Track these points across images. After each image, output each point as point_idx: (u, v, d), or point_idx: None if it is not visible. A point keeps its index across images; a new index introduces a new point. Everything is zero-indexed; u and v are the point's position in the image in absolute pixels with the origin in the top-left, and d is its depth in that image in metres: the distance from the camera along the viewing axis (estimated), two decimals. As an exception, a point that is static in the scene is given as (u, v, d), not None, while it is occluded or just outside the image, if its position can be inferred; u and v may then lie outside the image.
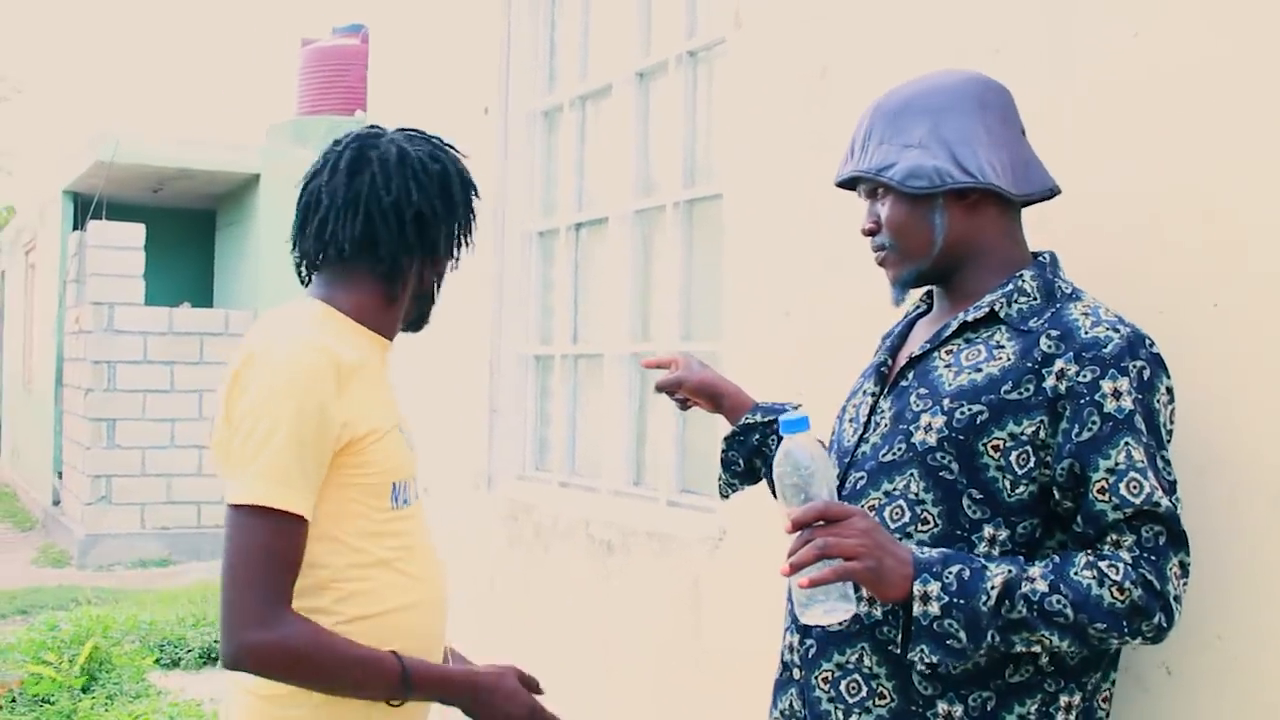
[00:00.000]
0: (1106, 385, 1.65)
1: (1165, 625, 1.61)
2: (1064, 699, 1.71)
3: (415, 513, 2.06)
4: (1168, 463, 1.67)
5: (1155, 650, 1.87)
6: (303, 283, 2.09)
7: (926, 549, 1.68)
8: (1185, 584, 1.64)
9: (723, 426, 2.91)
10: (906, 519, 1.75)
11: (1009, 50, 2.20)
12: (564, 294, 3.85)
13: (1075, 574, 1.62)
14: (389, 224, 2.01)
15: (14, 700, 6.76)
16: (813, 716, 1.82)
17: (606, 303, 3.62)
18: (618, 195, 3.55)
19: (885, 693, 1.75)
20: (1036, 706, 1.70)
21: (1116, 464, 1.63)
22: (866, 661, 1.77)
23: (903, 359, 1.90)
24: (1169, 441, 1.69)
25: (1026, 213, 1.90)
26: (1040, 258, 1.84)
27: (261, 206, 12.80)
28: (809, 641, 1.84)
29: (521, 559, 3.76)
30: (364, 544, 1.94)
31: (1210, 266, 1.84)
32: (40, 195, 16.66)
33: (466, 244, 2.17)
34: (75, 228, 14.04)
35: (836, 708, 1.78)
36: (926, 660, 1.65)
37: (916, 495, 1.75)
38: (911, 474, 1.76)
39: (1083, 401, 1.65)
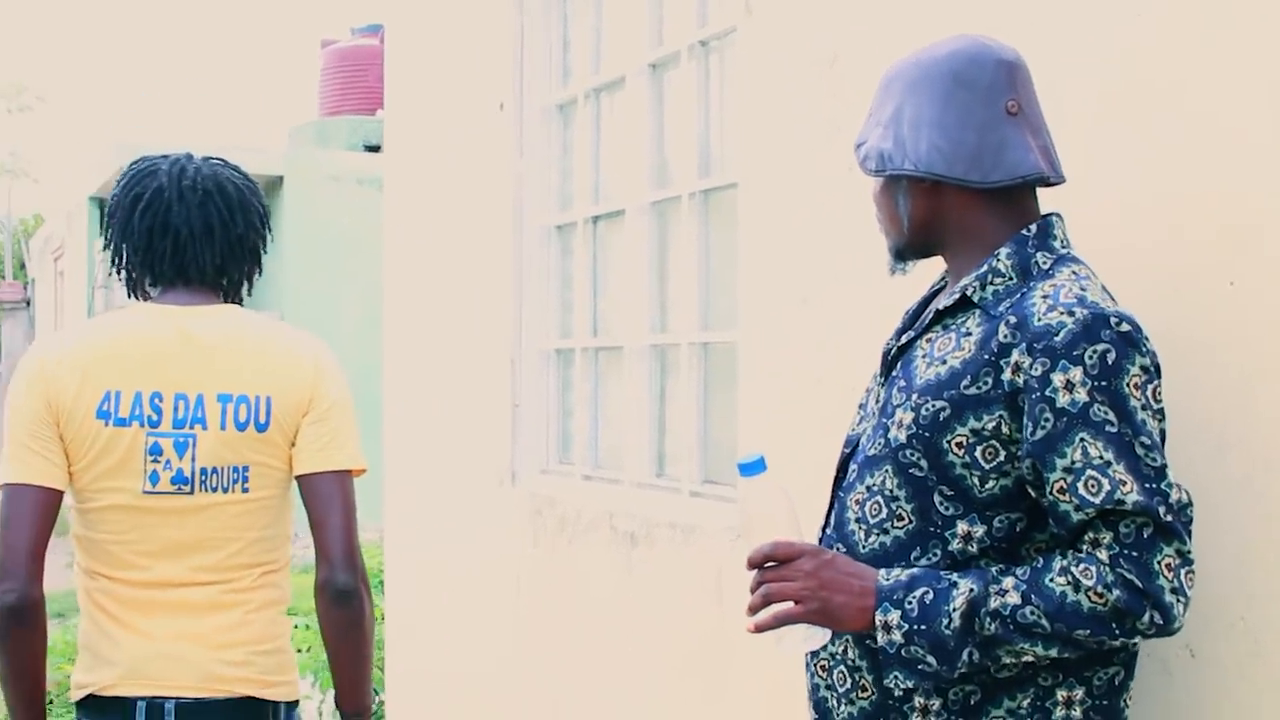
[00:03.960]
0: (1057, 378, 1.57)
1: (1162, 622, 1.55)
2: (1062, 693, 1.67)
3: None
4: (1150, 449, 1.57)
5: (1178, 633, 1.86)
6: (139, 294, 2.37)
7: (895, 572, 1.67)
8: (1188, 573, 1.56)
9: (746, 416, 2.92)
10: (884, 515, 1.73)
11: (1023, 35, 2.18)
12: (583, 287, 3.85)
13: (1050, 581, 1.57)
14: (236, 253, 2.35)
15: (51, 702, 6.82)
16: (815, 703, 1.84)
17: (625, 295, 3.62)
18: (634, 187, 3.55)
19: (866, 685, 1.74)
20: (1029, 701, 1.66)
21: (1073, 462, 1.56)
22: (850, 654, 1.76)
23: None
24: (1157, 421, 1.61)
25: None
26: (1025, 230, 1.75)
27: (285, 208, 12.84)
28: None
29: (545, 553, 3.77)
30: None
31: (1227, 245, 1.82)
32: (66, 202, 16.80)
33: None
34: (101, 233, 14.15)
35: (831, 695, 1.80)
36: (903, 686, 1.67)
37: (891, 492, 1.73)
38: (887, 470, 1.73)
39: (1035, 397, 1.59)
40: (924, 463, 1.68)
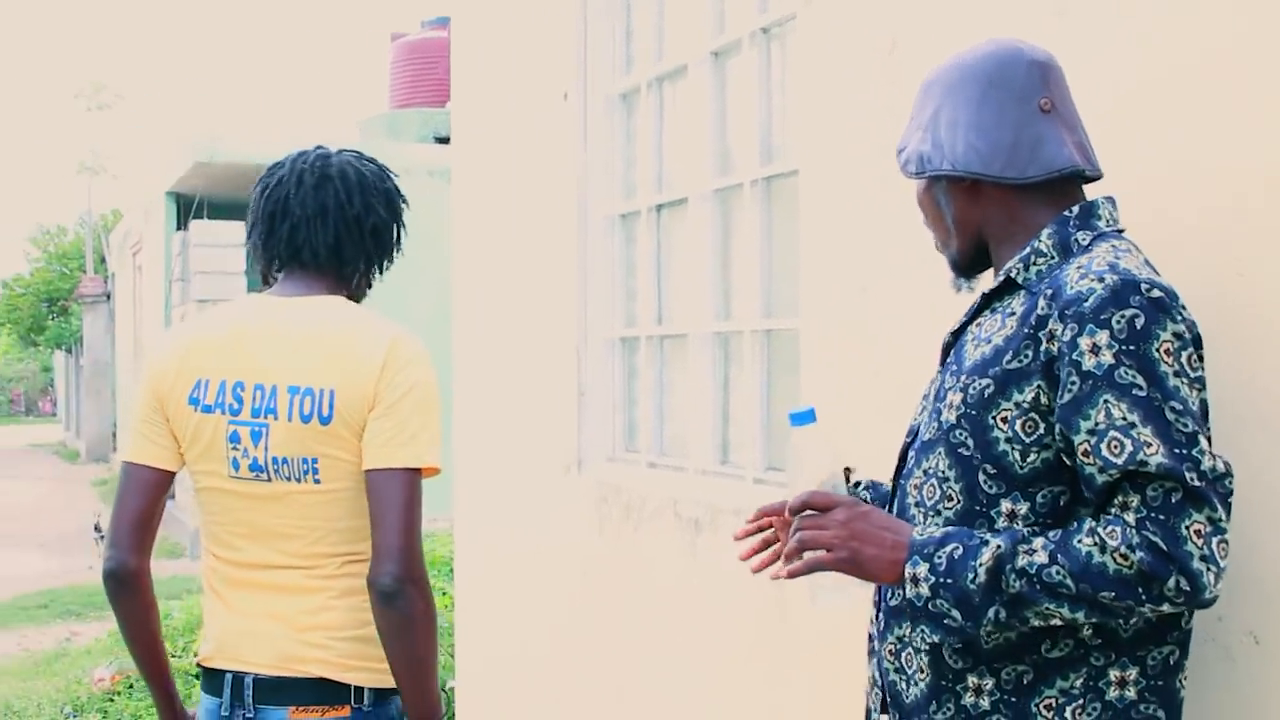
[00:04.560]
0: (1084, 342, 1.59)
1: (1190, 590, 1.53)
2: (1115, 673, 1.66)
3: None
4: (1180, 414, 1.56)
5: (1241, 618, 1.84)
6: (265, 280, 2.43)
7: (930, 529, 1.71)
8: (1220, 542, 1.54)
9: (807, 402, 2.93)
10: (937, 497, 1.78)
11: (1072, 12, 2.17)
12: (647, 275, 3.87)
13: (1077, 541, 1.58)
14: (352, 234, 2.37)
15: (130, 687, 6.98)
16: (884, 686, 1.87)
17: (689, 283, 3.64)
18: (696, 175, 3.56)
19: (923, 667, 1.77)
20: (1082, 681, 1.67)
21: (1096, 424, 1.57)
22: (914, 636, 1.79)
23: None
24: (1195, 390, 1.60)
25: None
26: (1068, 211, 1.79)
27: (357, 200, 12.99)
28: (880, 614, 1.88)
29: (610, 540, 3.80)
30: None
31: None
32: (144, 198, 17.10)
33: (399, 251, 2.51)
34: (178, 228, 14.39)
35: (901, 678, 1.82)
36: (928, 640, 1.72)
37: (943, 473, 1.77)
38: (939, 452, 1.78)
39: (1065, 362, 1.61)
40: (970, 441, 1.72)
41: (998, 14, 2.34)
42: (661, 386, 3.84)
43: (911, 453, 1.88)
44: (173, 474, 2.36)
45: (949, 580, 1.63)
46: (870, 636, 1.95)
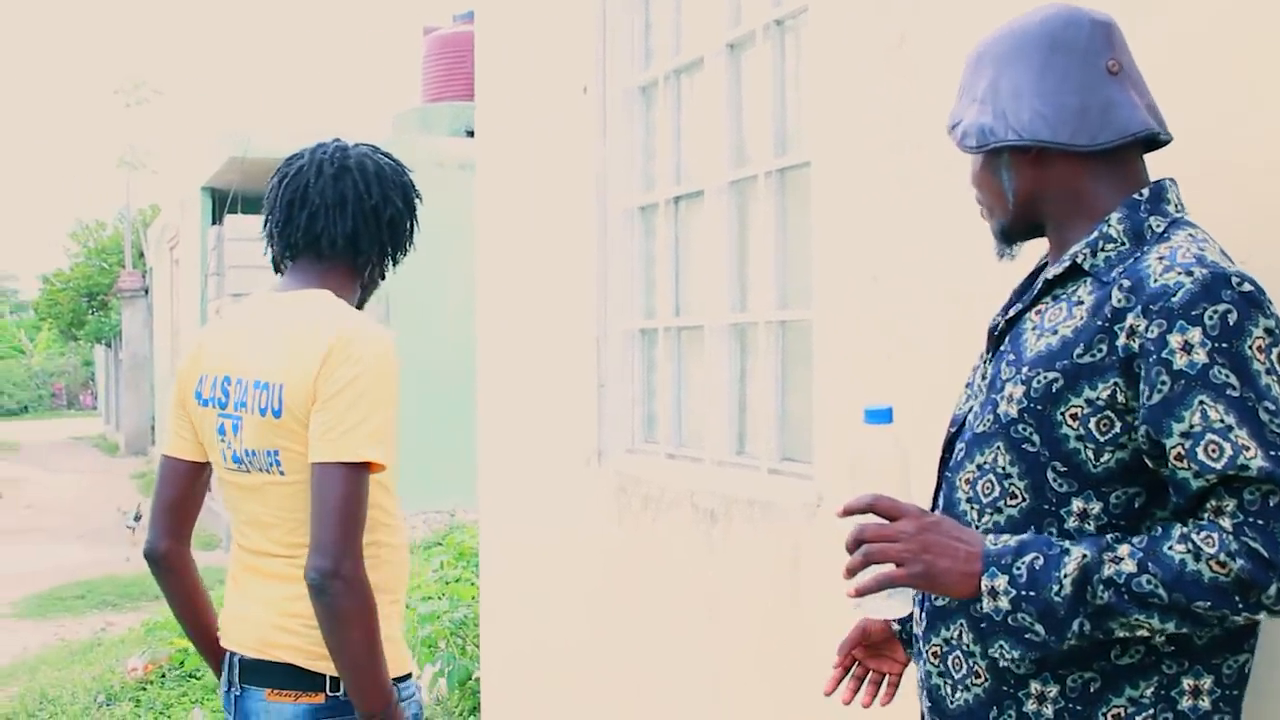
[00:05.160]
0: (1174, 339, 1.50)
1: None
2: (1188, 682, 1.59)
3: None
4: (1275, 414, 1.48)
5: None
6: (277, 269, 2.49)
7: (1003, 538, 1.61)
8: None
9: (821, 393, 2.94)
10: (996, 493, 1.68)
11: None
12: (665, 267, 3.89)
13: (1168, 549, 1.49)
14: (369, 224, 2.40)
15: (164, 675, 7.08)
16: (927, 689, 1.78)
17: (706, 274, 3.65)
18: (713, 167, 3.57)
19: (979, 672, 1.68)
20: (1153, 690, 1.59)
21: (1191, 427, 1.48)
22: (964, 639, 1.71)
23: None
24: None
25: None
26: (1137, 194, 1.69)
27: (389, 194, 13.04)
28: (923, 616, 1.79)
29: (629, 531, 3.82)
30: (394, 488, 2.38)
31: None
32: (180, 193, 17.24)
33: (413, 243, 2.54)
34: (214, 222, 14.51)
35: (946, 682, 1.74)
36: (1008, 655, 1.61)
37: (1004, 469, 1.67)
38: (999, 446, 1.67)
39: (1151, 360, 1.52)
40: (1036, 437, 1.62)
41: (1009, 10, 2.34)
42: (680, 378, 3.86)
43: (960, 444, 1.76)
44: (201, 464, 2.45)
45: (1031, 593, 1.55)
46: (914, 638, 1.86)
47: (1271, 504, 1.46)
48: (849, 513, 1.64)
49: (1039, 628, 1.55)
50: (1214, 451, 1.47)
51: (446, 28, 15.15)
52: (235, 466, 2.35)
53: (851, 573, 1.63)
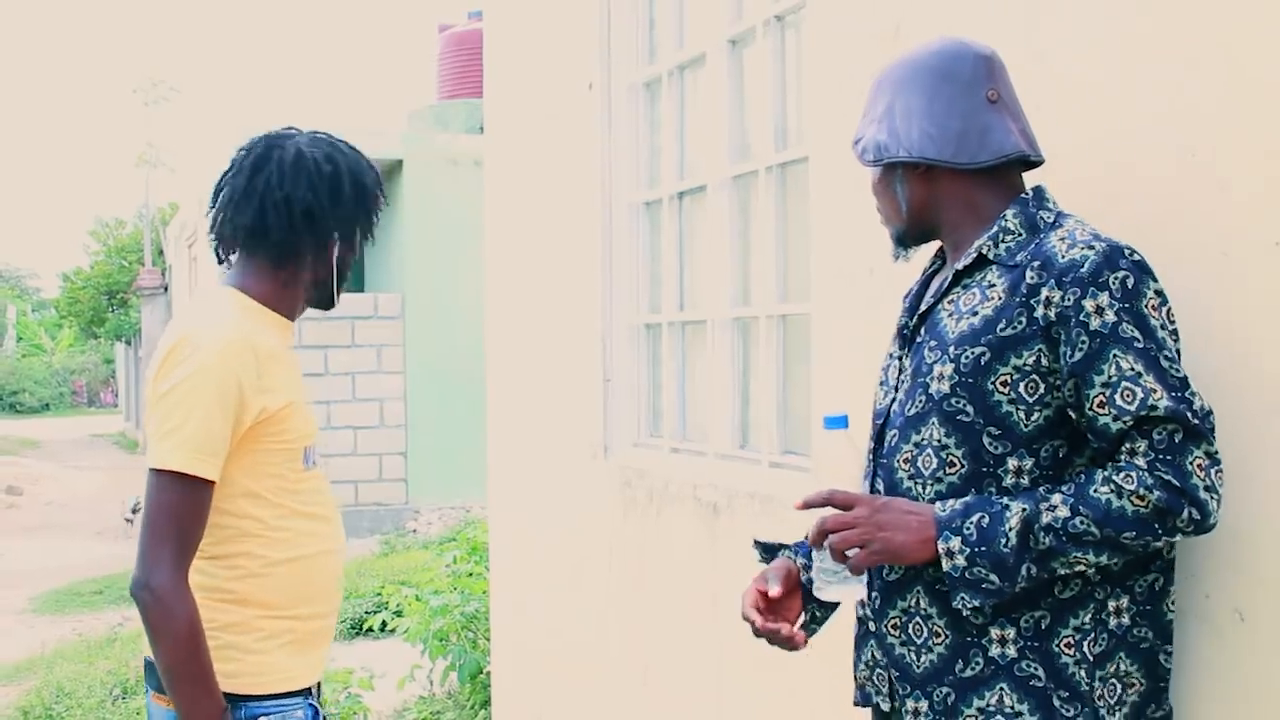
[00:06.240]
0: (1089, 304, 1.72)
1: (1200, 517, 1.68)
2: (1112, 604, 1.79)
3: (320, 473, 2.39)
4: (1172, 361, 1.71)
5: (1227, 596, 1.86)
6: (220, 263, 2.45)
7: (949, 503, 1.80)
8: (1218, 472, 1.69)
9: (820, 387, 2.96)
10: (935, 464, 1.86)
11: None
12: (670, 262, 3.91)
13: (1094, 492, 1.70)
14: (279, 215, 2.31)
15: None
16: (891, 661, 1.93)
17: (709, 269, 3.67)
18: (715, 162, 3.59)
19: (939, 630, 1.86)
20: (1090, 616, 1.79)
21: (1109, 377, 1.70)
22: (922, 604, 1.88)
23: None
24: (1174, 340, 1.74)
25: (1074, 162, 1.94)
26: (1023, 195, 1.93)
27: (405, 192, 13.11)
28: (874, 594, 1.95)
29: (635, 524, 3.84)
30: (283, 500, 2.27)
31: (1271, 205, 1.82)
32: (198, 190, 17.29)
33: (362, 234, 2.46)
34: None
35: (909, 650, 1.90)
36: (969, 605, 1.78)
37: (940, 441, 1.86)
38: (933, 422, 1.86)
39: (1071, 323, 1.73)
40: (970, 408, 1.81)
41: (996, 2, 2.35)
42: (684, 372, 3.88)
43: (891, 431, 1.95)
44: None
45: (982, 548, 1.74)
46: (862, 620, 2.01)
47: (1176, 440, 1.68)
48: (805, 506, 1.85)
49: (993, 577, 1.74)
50: (1129, 396, 1.69)
51: (461, 25, 15.19)
52: None
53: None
